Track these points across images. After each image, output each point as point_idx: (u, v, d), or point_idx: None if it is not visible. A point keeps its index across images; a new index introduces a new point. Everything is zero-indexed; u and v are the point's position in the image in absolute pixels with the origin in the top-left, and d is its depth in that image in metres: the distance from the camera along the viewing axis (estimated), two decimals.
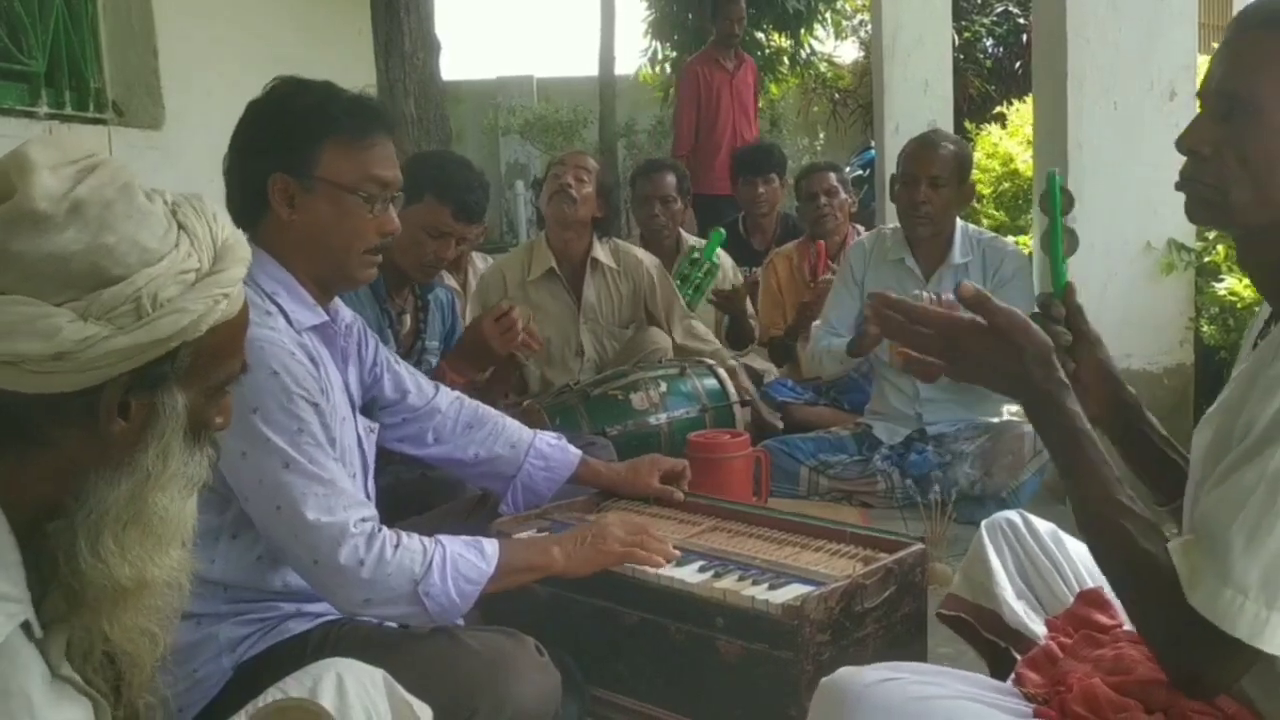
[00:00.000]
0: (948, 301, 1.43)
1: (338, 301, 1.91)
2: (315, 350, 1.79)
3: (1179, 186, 1.30)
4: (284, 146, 1.76)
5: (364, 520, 1.67)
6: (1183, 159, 1.30)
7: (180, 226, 1.05)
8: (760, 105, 10.83)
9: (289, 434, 1.65)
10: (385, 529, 1.70)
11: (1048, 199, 1.64)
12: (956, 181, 3.34)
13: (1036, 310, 1.53)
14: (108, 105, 2.98)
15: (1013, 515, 1.77)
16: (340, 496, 1.67)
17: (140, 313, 0.99)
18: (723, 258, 4.44)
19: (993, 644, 1.71)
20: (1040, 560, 1.72)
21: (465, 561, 1.71)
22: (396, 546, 1.67)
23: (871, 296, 1.38)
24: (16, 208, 0.97)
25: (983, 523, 1.80)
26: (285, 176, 1.76)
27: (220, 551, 1.73)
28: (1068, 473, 1.29)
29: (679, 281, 4.14)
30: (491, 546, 1.76)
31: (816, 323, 3.68)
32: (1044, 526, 1.75)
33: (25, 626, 1.00)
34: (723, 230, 4.42)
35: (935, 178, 3.30)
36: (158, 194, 1.07)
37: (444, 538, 1.74)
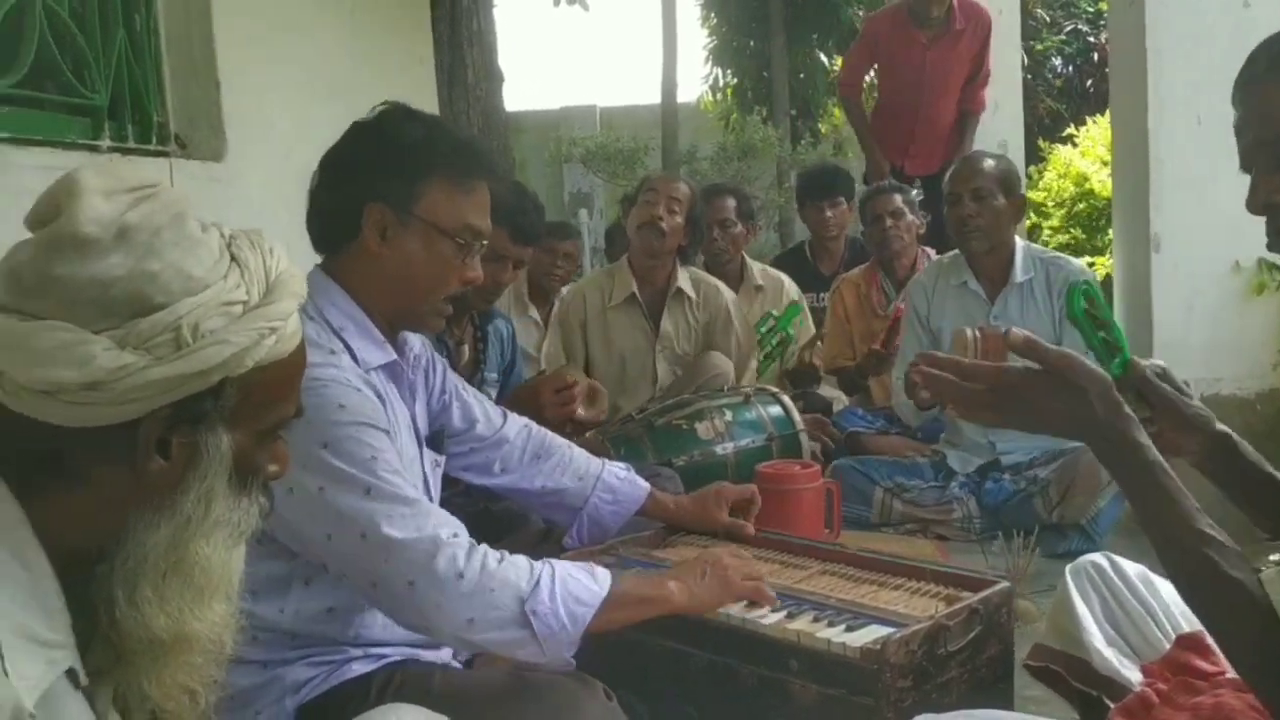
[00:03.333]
0: (994, 333, 1.36)
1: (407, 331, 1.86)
2: (382, 388, 1.74)
3: (1271, 247, 1.29)
4: (388, 176, 1.71)
5: (456, 535, 1.58)
6: None
7: (233, 258, 1.01)
8: (824, 129, 10.78)
9: (363, 462, 1.59)
10: (484, 546, 1.60)
11: (1071, 308, 1.50)
12: (1002, 194, 3.32)
13: None
14: (170, 138, 3.00)
15: (1099, 558, 1.71)
16: (429, 514, 1.59)
17: (180, 343, 0.95)
18: (789, 288, 4.36)
19: (1083, 692, 1.64)
20: (1131, 605, 1.65)
21: (576, 582, 1.60)
22: (500, 560, 1.57)
23: (918, 358, 1.33)
24: (61, 230, 0.94)
25: (1067, 568, 1.73)
26: (384, 207, 1.70)
27: (291, 599, 1.68)
28: (1144, 507, 1.23)
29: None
30: (603, 570, 1.66)
31: (896, 375, 3.60)
32: (1133, 569, 1.68)
33: (70, 674, 0.96)
34: (801, 303, 4.31)
35: (977, 190, 3.31)
36: (215, 226, 1.03)
37: (551, 559, 1.64)
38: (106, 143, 2.75)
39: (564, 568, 1.61)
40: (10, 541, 0.95)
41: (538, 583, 1.56)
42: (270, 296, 1.01)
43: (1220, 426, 1.48)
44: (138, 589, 0.98)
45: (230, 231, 1.04)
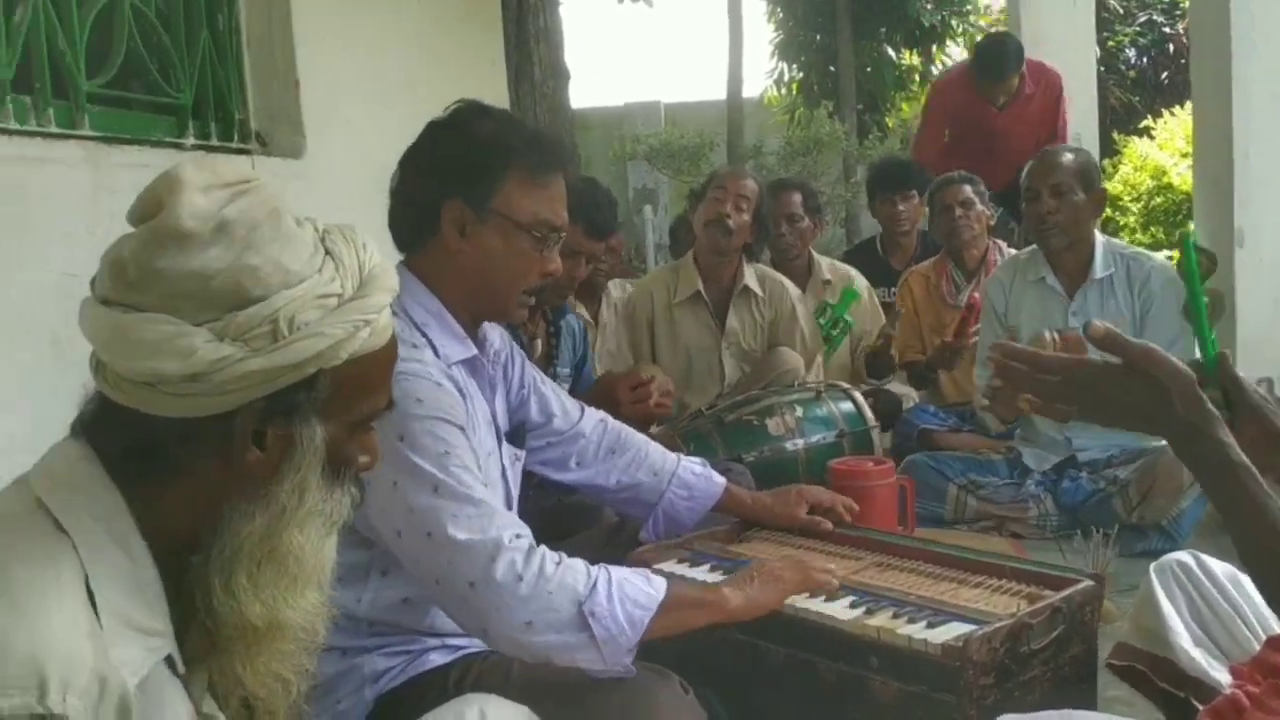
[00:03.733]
0: (1073, 336, 1.34)
1: (487, 325, 1.87)
2: (463, 383, 1.76)
3: None
4: (465, 172, 1.73)
5: (519, 536, 1.59)
6: None
7: (327, 252, 1.03)
8: (891, 123, 10.65)
9: (435, 456, 1.60)
10: (544, 547, 1.61)
11: (1184, 265, 1.51)
12: (1081, 188, 3.25)
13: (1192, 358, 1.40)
14: (251, 136, 3.06)
15: (1184, 556, 1.68)
16: (493, 516, 1.59)
17: (277, 335, 0.97)
18: (858, 281, 4.32)
19: (1169, 693, 1.61)
20: (1219, 604, 1.62)
21: (632, 585, 1.60)
22: (558, 563, 1.57)
23: (992, 348, 1.30)
24: (162, 224, 0.97)
25: (1152, 566, 1.70)
26: (461, 203, 1.72)
27: (369, 588, 1.70)
28: (1226, 508, 1.20)
29: None
30: (658, 576, 1.66)
31: (977, 374, 3.56)
32: (1221, 569, 1.64)
33: (169, 661, 0.99)
34: (857, 288, 4.28)
35: (1056, 185, 3.23)
36: (309, 221, 1.05)
37: (606, 565, 1.65)
38: (190, 141, 2.82)
39: (620, 572, 1.61)
40: (114, 531, 0.97)
41: (595, 585, 1.55)
42: (364, 290, 1.03)
43: None
44: (234, 577, 1.00)
45: (324, 226, 1.06)
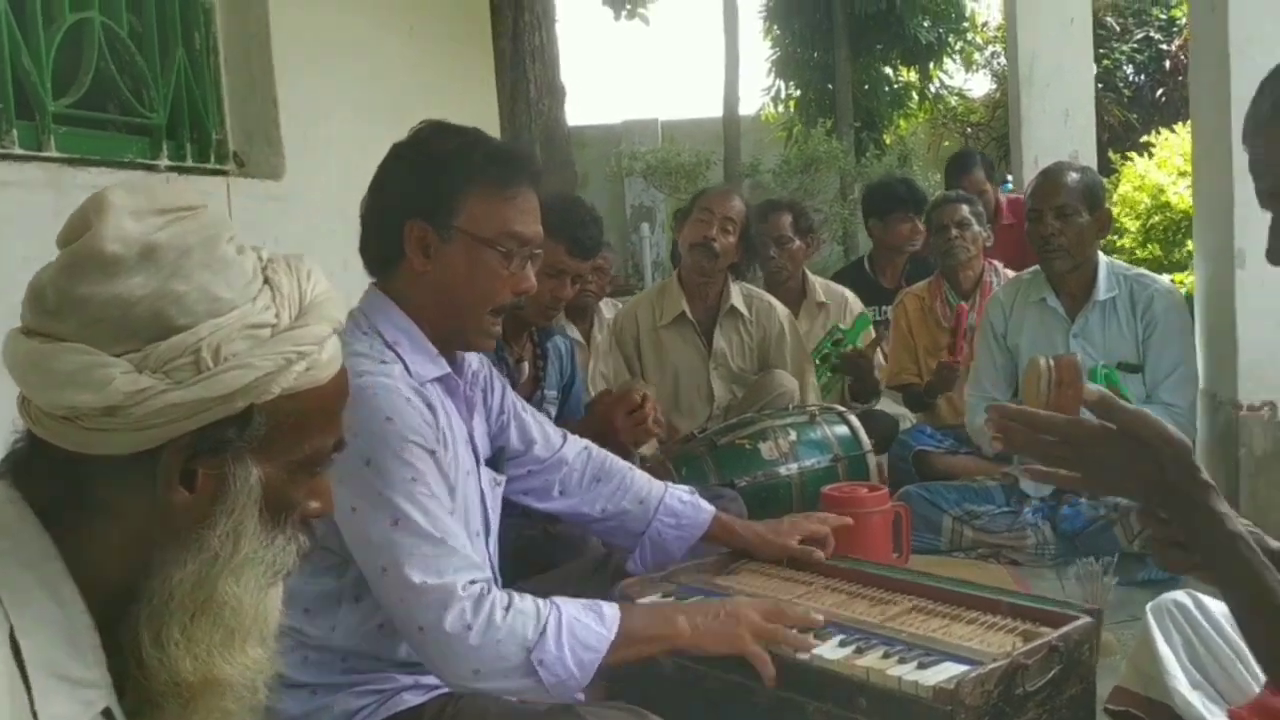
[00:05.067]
0: (1069, 360, 1.29)
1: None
2: (439, 399, 1.72)
3: None
4: (424, 192, 1.70)
5: (473, 582, 1.58)
6: None
7: (266, 281, 0.96)
8: (888, 140, 10.69)
9: (401, 484, 1.58)
10: (496, 590, 1.60)
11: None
12: (1086, 210, 3.18)
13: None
14: (228, 156, 3.01)
15: (1181, 597, 1.65)
16: (450, 557, 1.58)
17: (200, 366, 0.90)
18: (854, 303, 4.27)
19: None
20: (1217, 646, 1.59)
21: (583, 626, 1.59)
22: (507, 609, 1.56)
23: (989, 411, 1.28)
24: (84, 248, 0.92)
25: (1148, 607, 1.67)
26: (423, 224, 1.69)
27: (341, 617, 1.67)
28: (1226, 583, 1.18)
29: (818, 361, 4.01)
30: (611, 610, 1.64)
31: (969, 389, 3.51)
32: (1218, 607, 1.61)
33: (107, 714, 0.93)
34: (869, 314, 4.23)
35: (1061, 207, 3.17)
36: (254, 250, 0.99)
37: (560, 600, 1.62)
38: (165, 162, 2.77)
39: (571, 611, 1.60)
40: (43, 577, 0.92)
41: (544, 631, 1.56)
42: (302, 320, 0.97)
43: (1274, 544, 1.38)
44: (165, 629, 0.94)
45: (269, 255, 1.00)
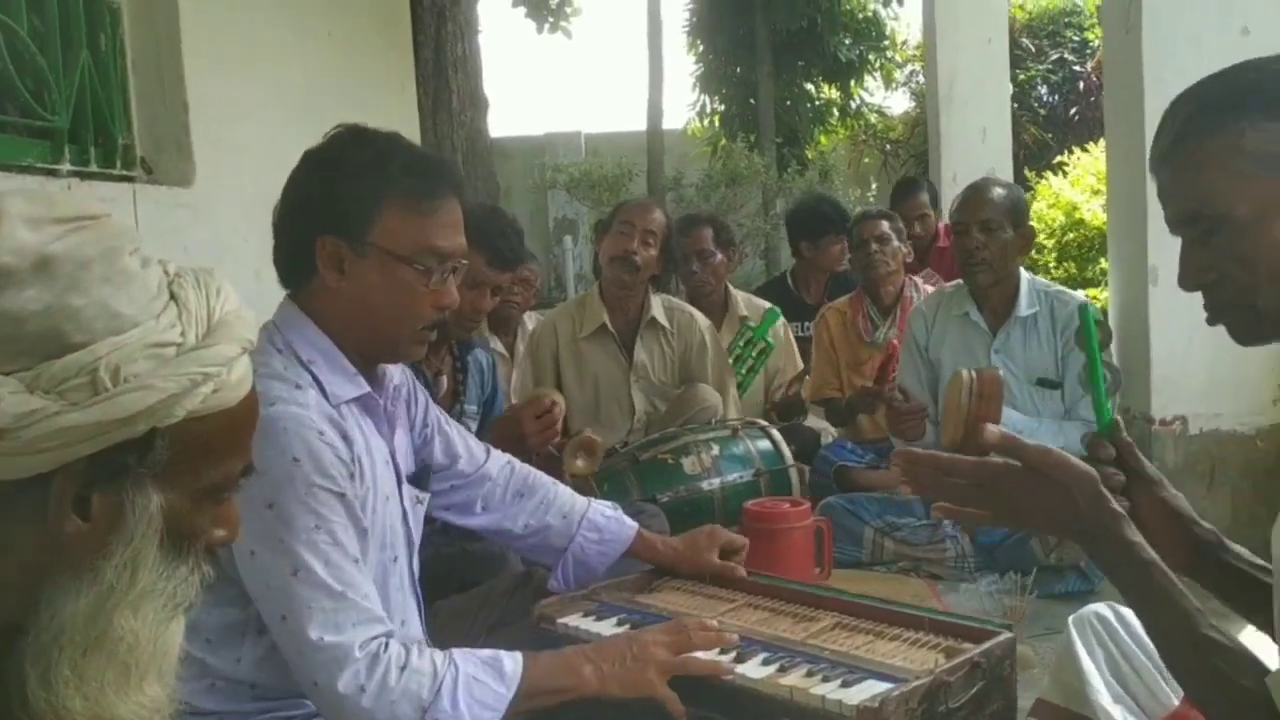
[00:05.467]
0: (990, 373, 1.30)
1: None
2: (355, 421, 1.65)
3: (1211, 321, 1.25)
4: (336, 206, 1.61)
5: (372, 639, 1.52)
6: None
7: (172, 297, 0.90)
8: (810, 156, 10.79)
9: (304, 532, 1.51)
10: (395, 645, 1.54)
11: (1083, 334, 1.51)
12: (1010, 225, 3.23)
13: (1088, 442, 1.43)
14: (135, 162, 2.90)
15: (1103, 609, 1.65)
16: (349, 611, 1.52)
17: (96, 386, 0.84)
18: (777, 327, 4.28)
19: None
20: (1138, 660, 1.59)
21: (480, 686, 1.54)
22: (403, 669, 1.51)
23: (894, 456, 1.29)
24: None
25: (1070, 619, 1.66)
26: (335, 240, 1.61)
27: (246, 650, 1.60)
28: (1141, 609, 1.20)
29: (732, 361, 4.00)
30: (513, 665, 1.58)
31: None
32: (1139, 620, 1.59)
33: None
34: (778, 309, 4.24)
35: (986, 221, 3.21)
36: (160, 263, 0.92)
37: (459, 655, 1.57)
38: (67, 166, 2.65)
39: (470, 670, 1.56)
40: None
41: (439, 691, 1.52)
42: (210, 339, 0.90)
43: (1207, 529, 1.39)
44: (53, 666, 0.87)
45: (177, 269, 0.94)
